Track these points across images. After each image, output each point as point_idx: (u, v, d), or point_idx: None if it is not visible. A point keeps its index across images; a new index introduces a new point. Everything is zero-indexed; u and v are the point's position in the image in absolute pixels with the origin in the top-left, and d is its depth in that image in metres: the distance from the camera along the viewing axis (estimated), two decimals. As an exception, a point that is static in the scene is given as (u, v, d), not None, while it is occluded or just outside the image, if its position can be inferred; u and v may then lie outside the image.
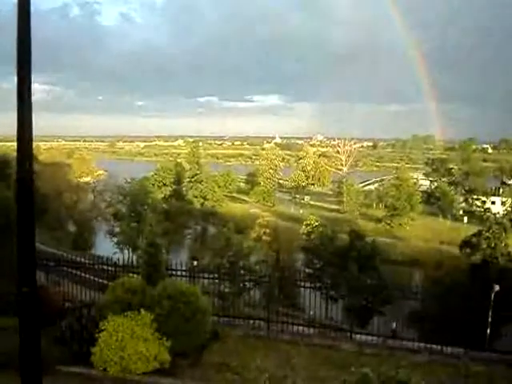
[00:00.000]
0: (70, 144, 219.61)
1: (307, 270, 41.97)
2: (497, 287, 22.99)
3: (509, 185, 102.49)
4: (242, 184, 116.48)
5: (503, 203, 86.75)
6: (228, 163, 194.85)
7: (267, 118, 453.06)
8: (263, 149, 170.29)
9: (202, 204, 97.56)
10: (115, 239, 62.49)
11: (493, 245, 41.46)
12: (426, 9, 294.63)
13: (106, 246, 60.61)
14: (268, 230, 66.27)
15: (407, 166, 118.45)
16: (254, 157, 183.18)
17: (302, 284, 19.39)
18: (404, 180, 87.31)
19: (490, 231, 43.08)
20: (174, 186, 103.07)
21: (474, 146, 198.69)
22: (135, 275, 15.00)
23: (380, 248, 48.24)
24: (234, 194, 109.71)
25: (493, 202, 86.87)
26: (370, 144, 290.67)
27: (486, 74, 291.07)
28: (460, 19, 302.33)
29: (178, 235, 79.28)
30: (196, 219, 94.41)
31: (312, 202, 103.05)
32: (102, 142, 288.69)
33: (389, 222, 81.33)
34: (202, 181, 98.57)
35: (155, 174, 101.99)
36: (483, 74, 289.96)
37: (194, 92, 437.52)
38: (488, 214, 78.16)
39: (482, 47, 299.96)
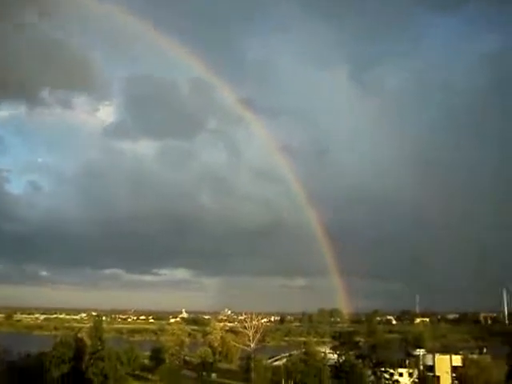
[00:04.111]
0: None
1: None
2: None
3: (414, 355, 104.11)
4: (146, 361, 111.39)
5: (410, 374, 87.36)
6: (132, 338, 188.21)
7: (174, 292, 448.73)
8: (169, 324, 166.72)
9: (102, 383, 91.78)
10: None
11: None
12: (326, 188, 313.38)
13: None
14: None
15: (315, 339, 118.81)
16: (159, 332, 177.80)
17: None
18: (312, 354, 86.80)
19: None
20: (73, 363, 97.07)
21: (378, 318, 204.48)
22: None
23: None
24: (138, 372, 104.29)
25: (400, 374, 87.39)
26: (278, 318, 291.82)
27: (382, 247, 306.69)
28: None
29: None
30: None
31: (219, 380, 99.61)
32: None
33: (298, 398, 79.14)
34: (103, 357, 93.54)
35: (54, 349, 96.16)
36: (381, 246, 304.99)
37: (100, 263, 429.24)
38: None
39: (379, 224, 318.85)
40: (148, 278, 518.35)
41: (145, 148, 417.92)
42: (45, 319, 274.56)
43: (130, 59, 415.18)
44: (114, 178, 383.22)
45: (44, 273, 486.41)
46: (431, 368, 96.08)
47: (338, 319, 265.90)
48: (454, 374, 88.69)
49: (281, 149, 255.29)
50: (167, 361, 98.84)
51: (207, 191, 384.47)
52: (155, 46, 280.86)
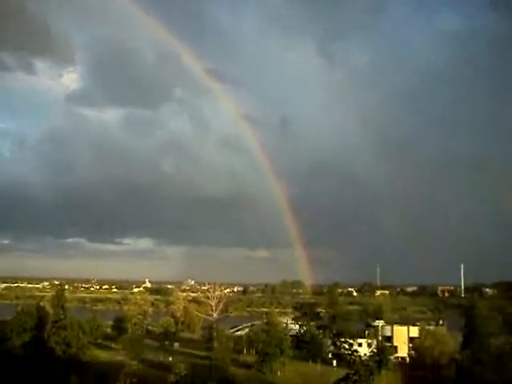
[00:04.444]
0: None
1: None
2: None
3: (373, 326, 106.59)
4: (108, 330, 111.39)
5: (369, 345, 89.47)
6: (95, 307, 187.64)
7: (137, 261, 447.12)
8: (132, 293, 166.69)
9: (65, 351, 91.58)
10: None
11: (361, 387, 42.10)
12: (293, 161, 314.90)
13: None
14: (135, 380, 62.94)
15: (277, 310, 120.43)
16: (122, 301, 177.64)
17: None
18: (274, 325, 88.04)
19: (358, 374, 43.86)
20: (34, 332, 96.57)
21: (339, 290, 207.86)
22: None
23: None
24: (100, 341, 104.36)
25: (359, 344, 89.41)
26: (241, 289, 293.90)
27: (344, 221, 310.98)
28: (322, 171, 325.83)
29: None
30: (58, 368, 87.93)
31: (182, 349, 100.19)
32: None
33: (260, 367, 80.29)
34: (66, 326, 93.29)
35: (15, 318, 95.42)
36: (344, 219, 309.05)
37: (62, 232, 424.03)
38: (355, 356, 79.88)
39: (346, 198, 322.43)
40: (111, 247, 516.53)
41: (109, 115, 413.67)
42: (6, 288, 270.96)
43: (94, 26, 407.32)
44: (78, 145, 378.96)
45: (5, 241, 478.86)
46: (389, 338, 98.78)
47: (300, 291, 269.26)
48: (411, 345, 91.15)
49: (246, 120, 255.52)
50: (130, 330, 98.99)
51: (172, 160, 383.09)
52: (121, 14, 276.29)
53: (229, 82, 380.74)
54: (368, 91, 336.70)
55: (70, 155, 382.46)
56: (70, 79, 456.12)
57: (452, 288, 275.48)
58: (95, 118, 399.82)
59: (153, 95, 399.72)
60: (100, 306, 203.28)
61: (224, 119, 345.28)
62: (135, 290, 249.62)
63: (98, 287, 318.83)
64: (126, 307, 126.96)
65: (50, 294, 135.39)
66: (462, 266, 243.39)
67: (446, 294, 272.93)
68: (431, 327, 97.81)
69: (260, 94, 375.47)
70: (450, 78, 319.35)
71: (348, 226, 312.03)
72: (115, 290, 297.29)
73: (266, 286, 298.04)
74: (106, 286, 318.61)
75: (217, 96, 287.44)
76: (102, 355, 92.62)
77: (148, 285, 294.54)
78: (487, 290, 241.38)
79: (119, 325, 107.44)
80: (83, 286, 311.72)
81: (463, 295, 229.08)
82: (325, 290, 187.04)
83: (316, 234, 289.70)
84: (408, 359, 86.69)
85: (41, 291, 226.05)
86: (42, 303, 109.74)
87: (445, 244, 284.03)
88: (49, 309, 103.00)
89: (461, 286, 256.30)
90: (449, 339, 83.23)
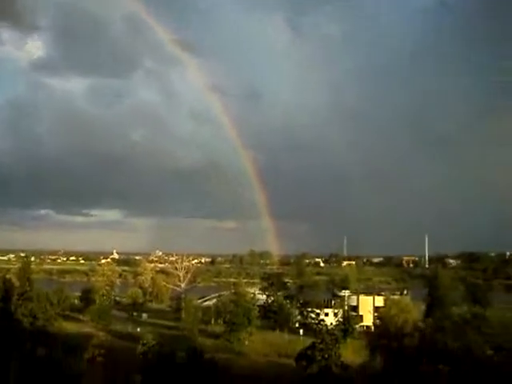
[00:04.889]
0: None
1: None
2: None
3: (340, 296, 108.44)
4: (76, 301, 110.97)
5: (335, 314, 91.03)
6: (62, 279, 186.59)
7: (105, 232, 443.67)
8: (99, 264, 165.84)
9: (32, 323, 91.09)
10: None
11: (326, 356, 42.85)
12: (259, 132, 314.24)
13: None
14: (103, 351, 63.06)
15: (244, 280, 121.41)
16: (89, 273, 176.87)
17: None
18: (241, 295, 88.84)
19: (324, 342, 44.64)
20: (0, 304, 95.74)
21: (307, 261, 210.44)
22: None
23: (220, 364, 47.73)
24: (68, 313, 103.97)
25: (326, 314, 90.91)
26: (209, 260, 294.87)
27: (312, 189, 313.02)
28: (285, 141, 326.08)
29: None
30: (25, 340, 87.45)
31: (150, 320, 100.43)
32: None
33: (228, 337, 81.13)
34: (32, 298, 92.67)
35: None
36: (312, 191, 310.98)
37: (28, 203, 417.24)
38: (321, 325, 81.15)
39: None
40: (78, 218, 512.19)
41: (75, 84, 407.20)
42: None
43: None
44: (43, 115, 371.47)
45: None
46: (355, 308, 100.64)
47: (268, 261, 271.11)
48: (376, 314, 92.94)
49: (216, 91, 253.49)
50: (97, 301, 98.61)
51: (140, 131, 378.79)
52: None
53: (199, 54, 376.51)
54: (337, 64, 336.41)
55: (36, 125, 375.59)
56: (35, 47, 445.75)
57: (416, 259, 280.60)
58: (61, 87, 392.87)
59: (120, 65, 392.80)
60: (67, 278, 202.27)
61: (194, 90, 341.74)
62: (103, 261, 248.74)
63: (65, 259, 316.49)
64: (93, 278, 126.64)
65: (15, 266, 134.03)
66: (426, 237, 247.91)
67: (411, 265, 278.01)
68: (396, 297, 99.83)
69: (230, 67, 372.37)
70: (420, 50, 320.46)
71: (316, 199, 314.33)
72: (82, 261, 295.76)
73: (233, 256, 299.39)
74: (74, 258, 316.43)
75: (186, 67, 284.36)
76: (70, 327, 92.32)
77: (116, 256, 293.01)
78: (450, 260, 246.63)
79: (87, 296, 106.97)
80: (50, 257, 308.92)
81: (427, 266, 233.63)
82: (292, 261, 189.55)
83: (284, 205, 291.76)
84: (373, 328, 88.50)
85: (7, 263, 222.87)
86: (7, 275, 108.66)
87: (410, 216, 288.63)
88: (15, 281, 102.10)
89: (425, 257, 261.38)
90: (413, 308, 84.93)
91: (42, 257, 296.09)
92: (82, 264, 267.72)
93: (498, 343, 34.44)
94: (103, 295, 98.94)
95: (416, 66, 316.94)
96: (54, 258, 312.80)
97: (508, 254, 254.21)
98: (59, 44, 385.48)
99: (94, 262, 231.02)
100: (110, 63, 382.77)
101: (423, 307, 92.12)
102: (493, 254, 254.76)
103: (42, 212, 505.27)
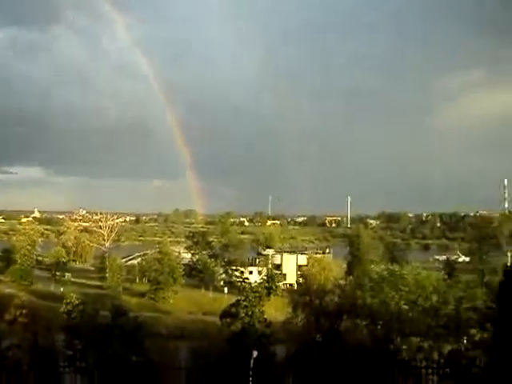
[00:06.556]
0: None
1: (68, 352, 39.65)
2: (255, 353, 24.41)
3: (264, 255, 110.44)
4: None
5: (259, 272, 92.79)
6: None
7: (26, 190, 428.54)
8: (20, 223, 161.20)
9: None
10: None
11: (250, 313, 43.69)
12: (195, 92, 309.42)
13: None
14: (25, 311, 61.82)
15: (169, 239, 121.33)
16: (10, 232, 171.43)
17: (64, 368, 18.30)
18: (166, 254, 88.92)
19: (247, 300, 45.42)
20: None
21: (231, 220, 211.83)
22: None
23: (145, 323, 47.78)
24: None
25: (250, 272, 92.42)
26: (133, 218, 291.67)
27: (238, 148, 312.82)
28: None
29: None
30: None
31: (73, 279, 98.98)
32: None
33: (152, 296, 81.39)
34: None
35: None
36: (236, 148, 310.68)
37: None
38: (246, 283, 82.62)
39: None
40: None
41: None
42: None
43: None
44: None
45: None
46: (279, 266, 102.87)
47: (193, 220, 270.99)
48: (299, 272, 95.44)
49: (142, 47, 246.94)
50: (19, 261, 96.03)
51: (65, 87, 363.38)
52: None
53: (124, 9, 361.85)
54: (268, 26, 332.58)
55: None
56: None
57: (339, 218, 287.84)
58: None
59: (41, 17, 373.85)
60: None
61: (119, 45, 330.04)
62: (24, 220, 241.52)
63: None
64: (14, 238, 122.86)
65: None
66: (348, 197, 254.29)
67: (334, 224, 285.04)
68: (318, 256, 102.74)
69: (157, 22, 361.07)
70: (361, 10, 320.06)
71: (241, 158, 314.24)
72: (2, 220, 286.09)
73: (158, 215, 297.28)
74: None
75: (111, 22, 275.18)
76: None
77: (37, 215, 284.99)
78: (371, 220, 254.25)
79: (7, 256, 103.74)
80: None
81: (349, 225, 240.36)
82: (217, 220, 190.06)
83: (209, 165, 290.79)
84: (296, 286, 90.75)
85: None
86: None
87: (333, 176, 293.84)
88: None
89: (347, 217, 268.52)
90: (334, 266, 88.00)
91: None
92: (2, 223, 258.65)
93: (412, 299, 36.30)
94: (25, 255, 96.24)
95: (356, 24, 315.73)
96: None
97: (425, 214, 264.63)
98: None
99: (14, 221, 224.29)
100: (30, 15, 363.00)
101: (344, 265, 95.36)
102: (411, 215, 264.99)
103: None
